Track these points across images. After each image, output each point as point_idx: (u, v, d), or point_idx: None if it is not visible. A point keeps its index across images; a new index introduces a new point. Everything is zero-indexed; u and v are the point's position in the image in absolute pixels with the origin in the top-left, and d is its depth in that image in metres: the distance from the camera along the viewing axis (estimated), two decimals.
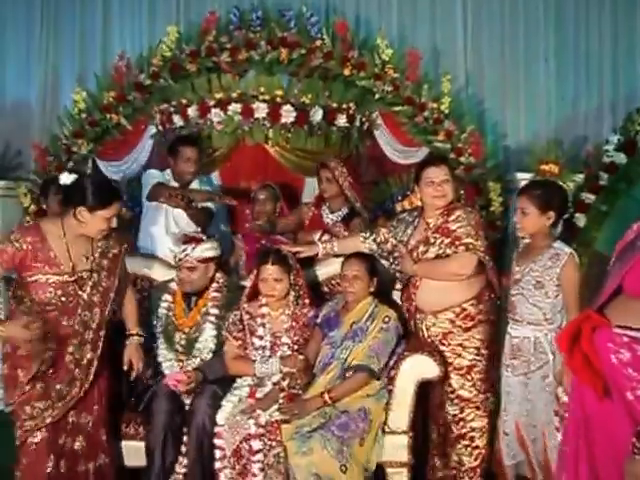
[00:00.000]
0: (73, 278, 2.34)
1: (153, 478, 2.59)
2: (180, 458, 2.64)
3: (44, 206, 3.54)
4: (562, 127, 4.70)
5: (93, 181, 2.43)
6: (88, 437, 2.48)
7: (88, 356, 2.39)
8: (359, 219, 3.46)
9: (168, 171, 3.57)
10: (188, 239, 2.90)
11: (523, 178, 3.92)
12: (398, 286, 3.00)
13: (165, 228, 3.43)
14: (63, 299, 2.33)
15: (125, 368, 2.57)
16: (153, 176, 3.50)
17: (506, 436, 2.68)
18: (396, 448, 2.68)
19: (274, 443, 2.49)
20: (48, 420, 2.34)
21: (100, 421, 2.53)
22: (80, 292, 2.36)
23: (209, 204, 3.50)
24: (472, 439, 2.70)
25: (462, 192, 3.88)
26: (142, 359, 2.61)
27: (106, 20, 4.67)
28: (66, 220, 2.35)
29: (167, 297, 2.95)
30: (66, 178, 2.37)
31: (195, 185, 3.55)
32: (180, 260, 2.87)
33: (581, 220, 4.27)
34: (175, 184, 3.51)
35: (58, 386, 2.36)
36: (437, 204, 2.71)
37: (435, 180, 2.70)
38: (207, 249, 2.88)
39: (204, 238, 2.92)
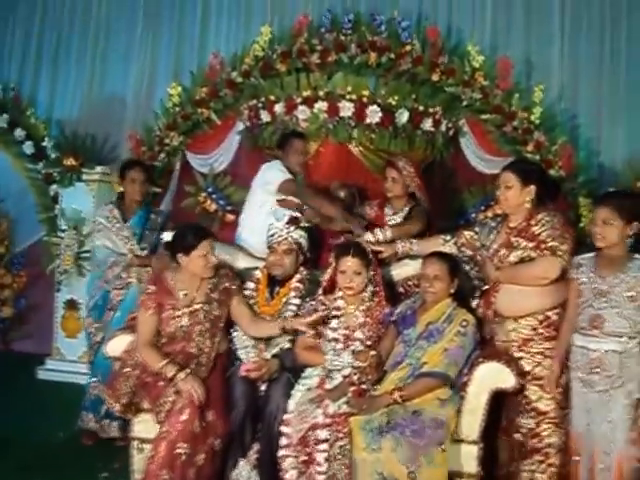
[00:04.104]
0: (189, 310, 2.71)
1: (230, 460, 2.61)
2: (255, 444, 2.65)
3: (121, 189, 3.64)
4: None
5: (180, 231, 2.83)
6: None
7: (203, 376, 2.65)
8: (420, 207, 3.34)
9: (279, 162, 3.53)
10: (293, 219, 2.96)
11: None
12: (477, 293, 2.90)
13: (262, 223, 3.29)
14: (184, 329, 2.70)
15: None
16: (281, 170, 3.41)
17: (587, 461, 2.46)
18: (465, 458, 2.59)
19: (340, 435, 2.45)
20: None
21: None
22: (195, 321, 2.71)
23: None
24: (547, 455, 2.56)
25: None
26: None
27: (203, 22, 4.89)
28: (177, 266, 2.81)
29: (250, 285, 2.98)
30: (166, 236, 3.05)
31: None
32: (280, 237, 2.91)
33: None
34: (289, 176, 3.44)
35: None
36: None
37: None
38: (302, 236, 2.96)
39: (303, 224, 3.00)
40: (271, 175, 3.42)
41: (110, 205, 3.62)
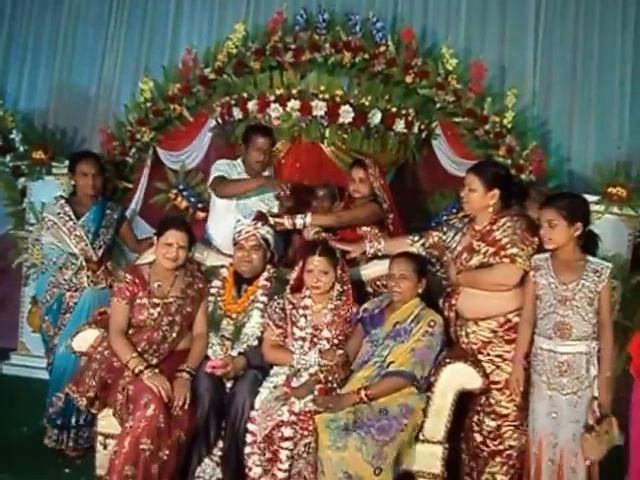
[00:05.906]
0: (163, 302, 2.73)
1: (194, 457, 2.58)
2: (219, 441, 2.62)
3: (72, 182, 3.46)
4: (635, 153, 4.49)
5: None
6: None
7: (154, 362, 2.67)
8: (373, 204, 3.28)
9: (239, 161, 3.47)
10: (260, 216, 2.94)
11: (590, 201, 3.73)
12: None
13: (226, 219, 3.29)
14: (154, 318, 2.72)
15: (165, 401, 2.52)
16: (218, 169, 3.38)
17: (551, 464, 2.47)
18: (429, 458, 2.60)
19: (305, 432, 2.45)
20: None
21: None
22: (167, 313, 2.73)
23: None
24: (509, 457, 2.58)
25: None
26: (185, 395, 2.56)
27: (176, 16, 4.80)
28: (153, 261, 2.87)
29: (216, 283, 2.96)
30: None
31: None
32: (247, 233, 2.89)
33: None
34: (245, 175, 3.41)
35: None
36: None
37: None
38: (269, 232, 2.95)
39: (271, 222, 2.98)
40: (212, 173, 3.40)
41: (61, 201, 3.34)
